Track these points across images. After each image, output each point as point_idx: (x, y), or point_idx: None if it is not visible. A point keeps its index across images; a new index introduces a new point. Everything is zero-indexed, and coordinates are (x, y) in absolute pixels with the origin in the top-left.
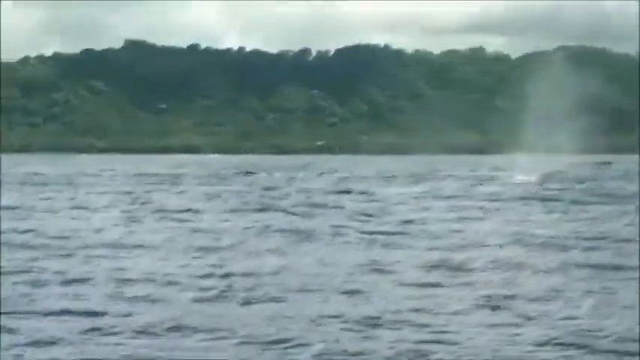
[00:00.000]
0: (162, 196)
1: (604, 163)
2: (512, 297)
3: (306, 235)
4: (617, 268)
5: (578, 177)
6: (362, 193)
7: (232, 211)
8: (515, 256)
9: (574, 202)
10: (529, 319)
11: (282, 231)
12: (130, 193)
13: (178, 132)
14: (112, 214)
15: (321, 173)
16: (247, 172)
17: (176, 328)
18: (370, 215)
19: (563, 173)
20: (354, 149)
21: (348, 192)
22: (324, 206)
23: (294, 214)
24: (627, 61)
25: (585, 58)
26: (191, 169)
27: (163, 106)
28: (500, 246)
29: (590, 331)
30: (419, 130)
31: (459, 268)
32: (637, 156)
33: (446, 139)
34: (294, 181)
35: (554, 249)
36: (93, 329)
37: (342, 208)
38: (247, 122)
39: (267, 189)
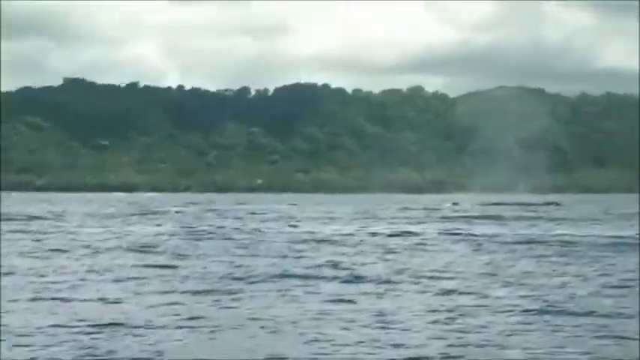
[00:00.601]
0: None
1: (551, 203)
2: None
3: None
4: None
5: (514, 217)
6: (280, 233)
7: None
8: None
9: (497, 245)
10: None
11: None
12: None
13: (118, 169)
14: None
15: (253, 212)
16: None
17: None
18: (280, 256)
19: (499, 216)
20: (294, 187)
21: (262, 232)
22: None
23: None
24: (563, 100)
25: (523, 98)
26: (106, 208)
27: (104, 142)
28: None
29: None
30: (358, 167)
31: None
32: (579, 196)
33: (384, 177)
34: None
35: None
36: None
37: (249, 248)
38: (187, 159)
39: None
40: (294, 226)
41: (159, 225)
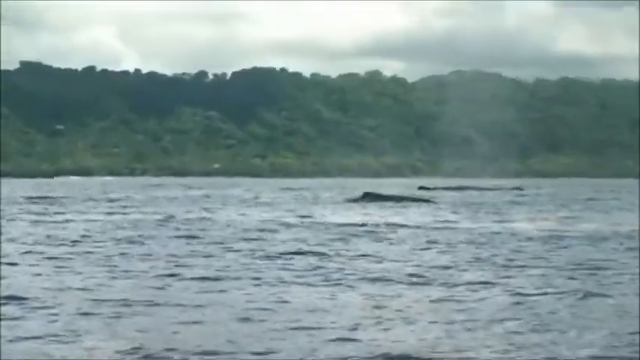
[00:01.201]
0: None
1: (514, 188)
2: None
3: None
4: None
5: (475, 203)
6: (227, 220)
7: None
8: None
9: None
10: None
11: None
12: None
13: (74, 154)
14: None
15: (208, 196)
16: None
17: None
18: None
19: (461, 202)
20: (250, 172)
21: (210, 218)
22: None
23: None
24: (520, 85)
25: (481, 82)
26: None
27: (59, 127)
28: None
29: None
30: (315, 153)
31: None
32: (538, 180)
33: (342, 162)
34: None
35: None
36: None
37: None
38: (143, 144)
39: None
40: (243, 214)
41: (105, 211)
